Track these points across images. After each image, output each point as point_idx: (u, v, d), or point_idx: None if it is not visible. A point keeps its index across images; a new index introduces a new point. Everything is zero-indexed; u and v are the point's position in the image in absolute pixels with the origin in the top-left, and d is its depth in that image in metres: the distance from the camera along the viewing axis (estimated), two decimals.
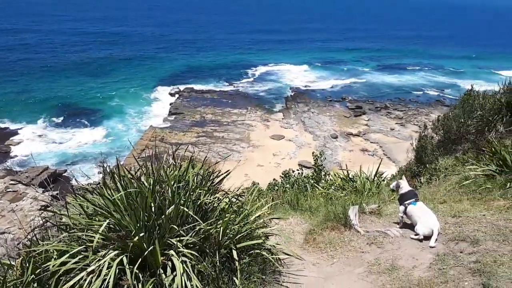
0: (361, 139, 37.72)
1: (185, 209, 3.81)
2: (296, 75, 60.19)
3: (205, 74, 57.93)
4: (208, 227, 3.79)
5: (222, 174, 4.81)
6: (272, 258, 3.99)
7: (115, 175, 4.05)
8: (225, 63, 64.95)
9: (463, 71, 65.09)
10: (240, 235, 3.90)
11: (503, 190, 4.88)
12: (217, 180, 4.85)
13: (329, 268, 4.39)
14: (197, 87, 51.75)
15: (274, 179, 10.15)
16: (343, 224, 5.06)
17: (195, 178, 4.48)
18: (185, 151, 5.38)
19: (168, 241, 3.70)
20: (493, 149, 5.68)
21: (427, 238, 4.40)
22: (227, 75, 57.94)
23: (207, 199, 4.22)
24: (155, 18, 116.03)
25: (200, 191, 4.24)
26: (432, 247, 4.25)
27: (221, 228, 3.70)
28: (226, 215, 4.02)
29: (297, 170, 9.87)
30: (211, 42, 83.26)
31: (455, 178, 6.32)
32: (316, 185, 8.15)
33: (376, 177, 7.64)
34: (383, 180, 7.82)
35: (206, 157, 4.94)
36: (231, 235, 3.84)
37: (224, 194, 4.64)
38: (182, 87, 50.89)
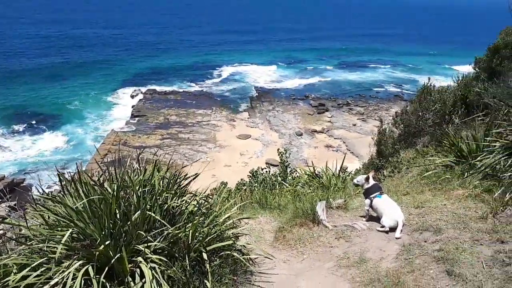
0: (325, 135, 38.35)
1: (151, 214, 3.72)
2: (261, 74, 60.35)
3: (168, 75, 56.96)
4: (176, 231, 3.72)
5: (189, 176, 4.75)
6: (243, 258, 3.98)
7: (77, 182, 3.89)
8: (189, 64, 64.14)
9: (422, 67, 67.46)
10: (209, 237, 3.85)
11: (461, 180, 5.09)
12: (184, 182, 4.79)
13: (300, 264, 4.42)
14: (160, 88, 50.76)
15: (242, 179, 10.13)
16: (311, 220, 5.12)
17: (161, 181, 4.39)
18: (153, 155, 5.26)
19: (136, 248, 3.61)
20: (451, 141, 5.94)
21: (393, 229, 4.53)
22: (191, 76, 57.26)
23: (175, 202, 4.14)
24: (116, 20, 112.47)
25: (167, 195, 4.16)
26: (398, 238, 4.38)
27: (190, 231, 3.64)
28: (195, 218, 3.96)
29: (264, 168, 9.89)
30: (174, 43, 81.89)
31: (416, 170, 6.55)
32: (283, 182, 8.20)
33: (341, 172, 7.79)
34: (348, 175, 7.98)
35: (171, 159, 4.84)
36: (201, 238, 3.79)
37: (192, 196, 4.58)
38: (144, 89, 49.69)
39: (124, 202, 3.88)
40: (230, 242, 3.94)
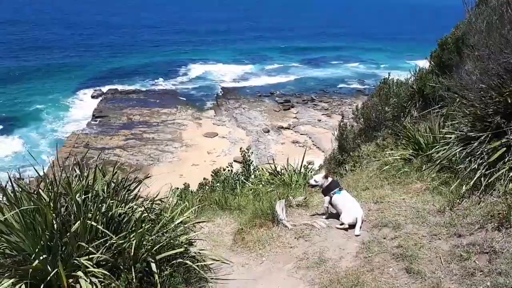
0: (291, 131, 38.53)
1: (92, 223, 3.41)
2: (226, 72, 59.74)
3: (130, 74, 55.15)
4: (120, 241, 3.42)
5: (140, 179, 4.45)
6: (197, 265, 3.73)
7: (7, 190, 3.51)
8: (153, 63, 62.42)
9: (382, 63, 69.04)
10: (159, 245, 3.58)
11: (419, 173, 5.06)
12: (138, 186, 4.50)
13: (259, 267, 4.23)
14: (122, 88, 49.15)
15: (204, 178, 9.82)
16: (270, 220, 4.93)
17: (106, 187, 4.07)
18: (99, 157, 4.90)
19: (77, 261, 3.29)
20: (408, 134, 5.92)
21: (352, 226, 4.41)
22: (155, 75, 55.81)
23: (120, 209, 3.83)
24: (76, 20, 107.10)
25: (111, 202, 3.84)
26: (357, 236, 4.26)
27: (135, 241, 3.36)
28: (142, 225, 3.68)
29: (227, 167, 9.63)
30: (137, 42, 79.35)
31: (376, 164, 6.51)
32: (245, 181, 8.00)
33: (302, 168, 7.67)
34: (311, 171, 7.88)
35: (116, 162, 4.52)
36: (149, 247, 3.51)
37: (142, 201, 4.29)
38: (105, 89, 48.03)
39: (63, 211, 3.56)
40: (182, 249, 3.68)
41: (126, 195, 4.30)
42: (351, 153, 10.10)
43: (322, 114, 42.99)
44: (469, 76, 5.11)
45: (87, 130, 37.37)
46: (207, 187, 8.92)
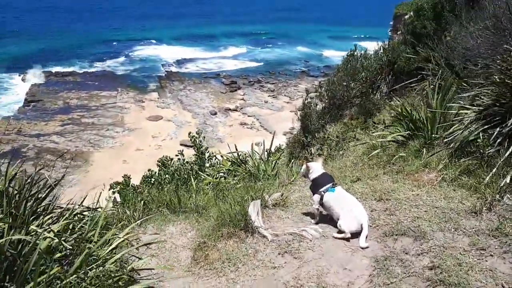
0: (239, 113, 37.65)
1: None
2: (171, 54, 56.99)
3: (66, 56, 51.30)
4: None
5: (51, 184, 3.03)
6: None
7: None
8: (91, 44, 58.24)
9: (325, 44, 69.46)
10: None
11: (424, 160, 4.05)
12: (52, 191, 3.07)
13: None
14: (57, 70, 45.54)
15: (149, 170, 8.34)
16: (242, 228, 3.71)
17: None
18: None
19: None
20: (403, 110, 4.88)
21: (355, 235, 3.31)
22: (93, 56, 52.20)
23: (18, 235, 2.42)
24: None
25: (3, 224, 2.43)
26: (364, 248, 3.16)
27: None
28: (52, 258, 2.32)
29: (176, 155, 8.23)
30: (74, 24, 73.64)
31: (360, 148, 5.47)
32: (200, 172, 6.69)
33: (270, 155, 6.50)
34: (279, 158, 6.73)
35: (9, 164, 3.04)
36: None
37: (58, 215, 2.90)
38: (38, 72, 44.19)
39: None
40: None
41: (34, 208, 2.89)
42: (316, 135, 9.13)
43: (269, 96, 42.45)
44: (477, 40, 4.16)
45: (20, 115, 34.44)
46: (153, 180, 7.51)
